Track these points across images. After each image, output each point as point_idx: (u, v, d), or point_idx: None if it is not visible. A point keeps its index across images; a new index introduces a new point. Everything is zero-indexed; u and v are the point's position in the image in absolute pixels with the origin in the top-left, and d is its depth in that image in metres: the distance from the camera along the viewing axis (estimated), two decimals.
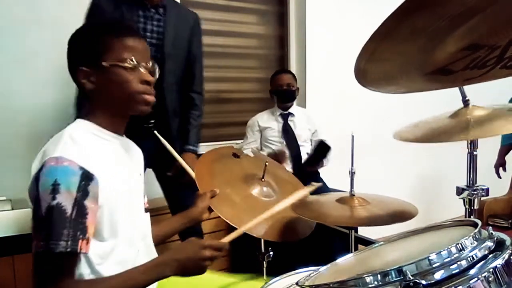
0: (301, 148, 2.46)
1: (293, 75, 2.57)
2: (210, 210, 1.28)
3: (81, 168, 0.86)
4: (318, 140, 2.41)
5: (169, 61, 1.78)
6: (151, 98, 0.99)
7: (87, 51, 0.95)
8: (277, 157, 2.36)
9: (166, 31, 1.76)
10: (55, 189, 0.83)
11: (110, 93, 0.96)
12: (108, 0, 1.69)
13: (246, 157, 1.56)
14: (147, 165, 1.86)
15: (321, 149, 2.30)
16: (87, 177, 0.86)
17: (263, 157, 1.83)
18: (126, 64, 0.94)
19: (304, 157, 2.45)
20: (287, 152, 2.39)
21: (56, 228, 0.82)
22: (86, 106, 1.00)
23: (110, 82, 0.95)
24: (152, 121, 1.78)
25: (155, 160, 1.84)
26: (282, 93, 2.48)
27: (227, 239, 1.04)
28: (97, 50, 0.94)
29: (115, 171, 0.94)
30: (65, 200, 0.83)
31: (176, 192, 1.92)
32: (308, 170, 2.33)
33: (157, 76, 1.03)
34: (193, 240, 0.98)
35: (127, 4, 1.70)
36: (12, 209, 1.72)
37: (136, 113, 1.00)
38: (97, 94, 0.97)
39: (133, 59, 0.95)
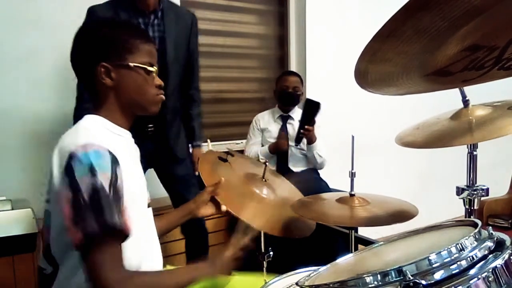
0: (295, 151, 2.43)
1: (301, 79, 2.50)
2: (218, 207, 1.28)
3: (110, 152, 0.88)
4: (304, 99, 2.32)
5: (172, 64, 1.79)
6: (162, 98, 1.06)
7: (114, 48, 0.98)
8: (277, 145, 2.36)
9: (167, 35, 1.77)
10: (93, 172, 0.84)
11: (128, 91, 1.00)
12: (106, 8, 1.69)
13: (232, 158, 1.56)
14: (148, 165, 1.90)
15: (311, 107, 2.19)
16: (115, 160, 0.88)
17: (248, 158, 1.85)
18: (150, 68, 1.01)
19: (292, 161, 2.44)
20: (281, 137, 2.38)
21: (105, 206, 0.83)
22: (96, 103, 1.01)
23: (131, 82, 0.99)
24: (151, 125, 1.81)
25: (157, 159, 1.87)
26: (287, 95, 2.43)
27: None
28: (125, 49, 0.98)
29: (128, 166, 0.95)
30: (104, 181, 0.84)
31: (180, 190, 1.95)
32: (305, 133, 2.23)
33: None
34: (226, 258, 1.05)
35: (126, 12, 1.70)
36: (12, 209, 1.72)
37: (146, 113, 1.05)
38: (113, 91, 0.99)
39: (153, 65, 1.02)
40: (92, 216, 0.82)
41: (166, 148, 1.87)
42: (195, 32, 1.93)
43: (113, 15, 1.68)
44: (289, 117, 2.49)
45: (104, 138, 0.92)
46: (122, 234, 0.86)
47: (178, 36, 1.82)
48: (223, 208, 1.27)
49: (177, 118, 1.93)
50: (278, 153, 2.41)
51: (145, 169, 1.88)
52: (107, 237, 0.83)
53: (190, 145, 2.01)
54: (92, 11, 1.70)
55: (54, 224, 0.93)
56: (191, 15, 1.92)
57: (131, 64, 0.98)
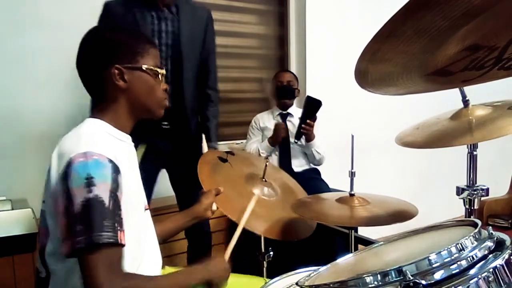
0: (296, 148, 2.43)
1: (295, 76, 2.57)
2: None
3: (110, 160, 0.87)
4: (306, 96, 2.32)
5: (186, 59, 1.78)
6: (167, 103, 1.09)
7: (126, 51, 0.99)
8: (276, 133, 2.36)
9: (181, 30, 1.76)
10: (90, 183, 0.83)
11: (139, 94, 1.01)
12: (120, 3, 1.70)
13: (233, 158, 1.55)
14: (162, 166, 1.88)
15: (311, 104, 2.21)
16: (116, 169, 0.88)
17: (248, 155, 1.83)
18: (160, 71, 1.04)
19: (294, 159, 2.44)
20: (281, 124, 2.38)
21: (96, 220, 0.81)
22: (102, 106, 1.00)
23: (143, 84, 1.01)
24: (166, 122, 1.79)
25: (170, 160, 1.85)
26: (281, 89, 2.47)
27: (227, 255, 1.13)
28: (136, 52, 1.00)
29: (128, 170, 0.95)
30: (102, 191, 0.83)
31: (188, 193, 1.92)
32: (305, 129, 2.24)
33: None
34: (222, 261, 1.07)
35: (139, 7, 1.70)
36: (12, 209, 1.72)
37: (152, 116, 1.06)
38: (124, 94, 0.99)
39: (161, 68, 1.04)
40: (82, 230, 0.81)
41: (185, 148, 1.84)
42: (211, 29, 1.92)
43: (125, 9, 1.68)
44: (289, 114, 2.51)
45: (106, 145, 0.91)
46: (113, 245, 0.83)
47: (193, 31, 1.81)
48: (214, 207, 1.29)
49: (195, 117, 1.90)
50: (280, 148, 2.41)
51: (158, 170, 1.88)
52: (95, 250, 0.81)
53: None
54: (106, 5, 1.70)
55: (51, 226, 0.92)
56: (207, 11, 1.91)
57: (144, 67, 1.00)
